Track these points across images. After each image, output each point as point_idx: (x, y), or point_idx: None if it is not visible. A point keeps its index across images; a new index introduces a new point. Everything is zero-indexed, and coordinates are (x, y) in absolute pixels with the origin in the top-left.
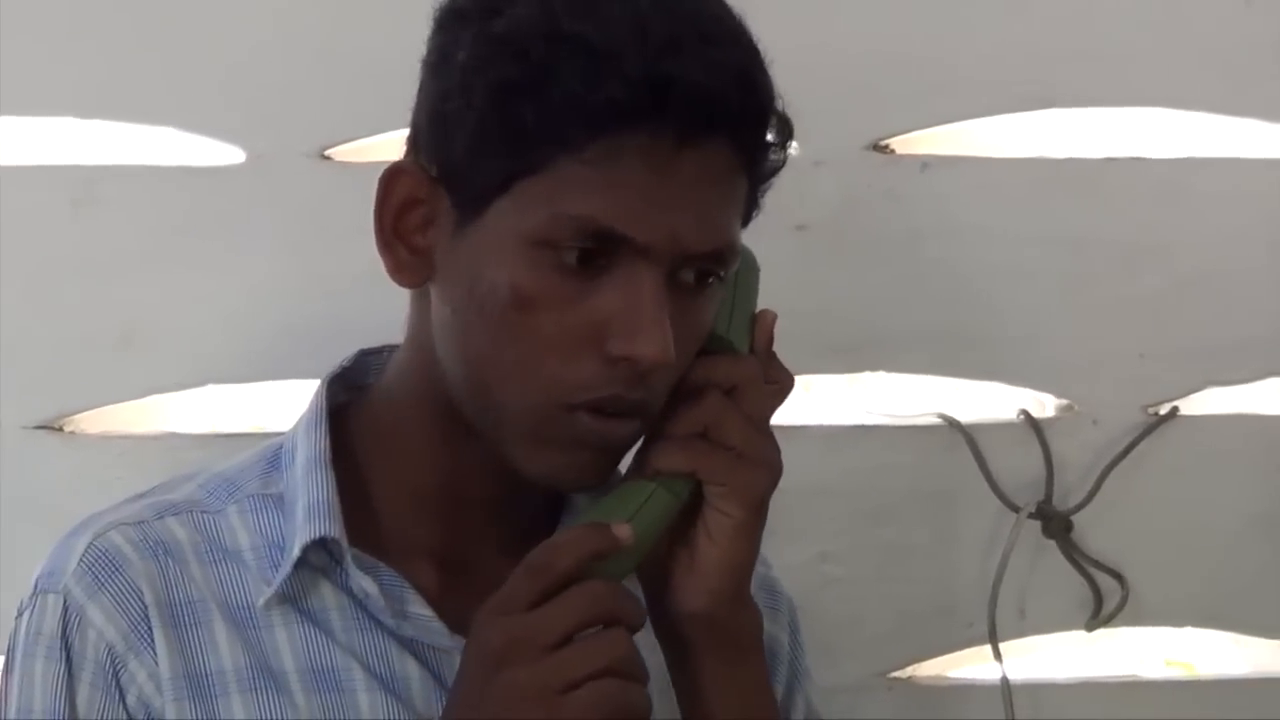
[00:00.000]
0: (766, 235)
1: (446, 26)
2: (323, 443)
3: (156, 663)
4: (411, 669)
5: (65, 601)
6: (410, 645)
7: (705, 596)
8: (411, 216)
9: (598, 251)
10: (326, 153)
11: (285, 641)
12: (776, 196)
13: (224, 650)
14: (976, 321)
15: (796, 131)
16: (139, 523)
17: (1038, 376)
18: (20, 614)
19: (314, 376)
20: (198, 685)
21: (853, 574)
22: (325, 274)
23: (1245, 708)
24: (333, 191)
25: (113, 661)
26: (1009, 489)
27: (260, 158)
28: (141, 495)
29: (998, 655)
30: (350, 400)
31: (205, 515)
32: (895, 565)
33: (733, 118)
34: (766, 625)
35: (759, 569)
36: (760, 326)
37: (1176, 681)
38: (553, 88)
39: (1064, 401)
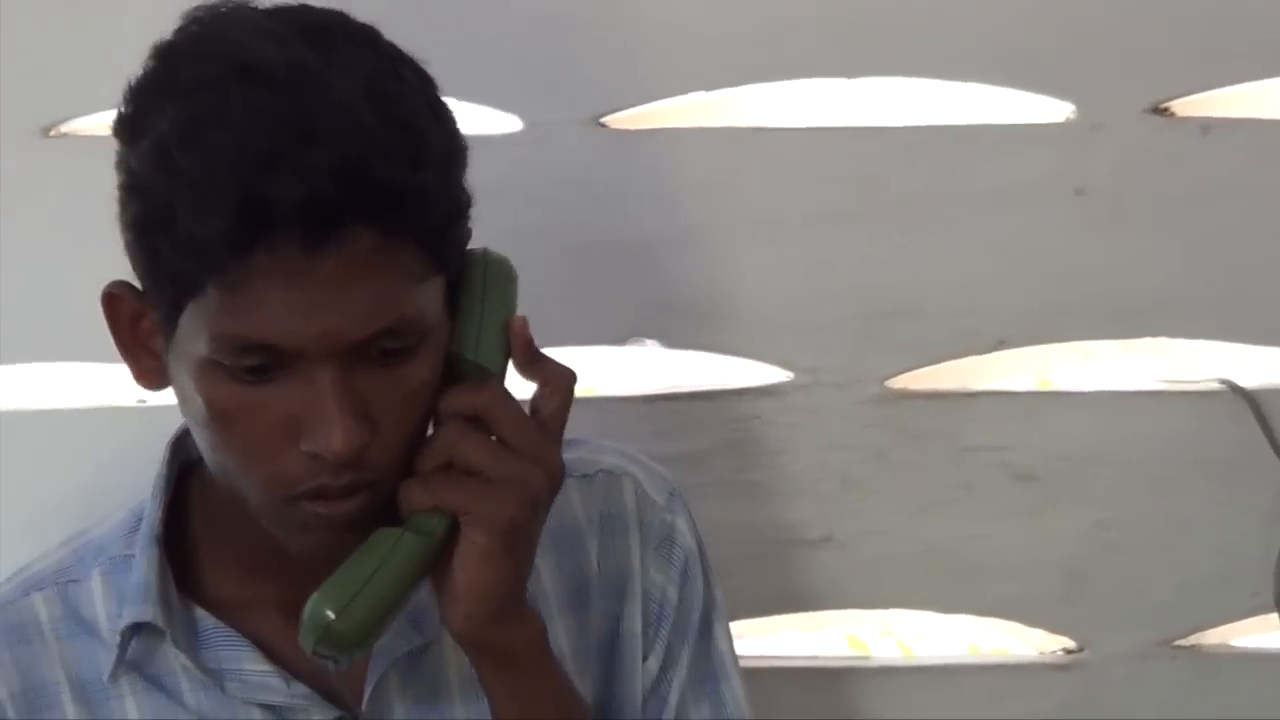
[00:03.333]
0: (1044, 200)
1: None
2: (156, 514)
3: None
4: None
5: None
6: (254, 696)
7: (462, 620)
8: (143, 325)
9: (265, 361)
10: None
11: (133, 711)
12: (1055, 161)
13: None
14: (1260, 285)
15: (1075, 94)
16: (3, 606)
17: None
18: None
19: None
20: None
21: (1133, 541)
22: None
23: None
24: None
25: None
26: None
27: None
28: (26, 566)
29: None
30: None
31: (71, 585)
32: (1176, 533)
33: (356, 209)
34: (657, 578)
35: (663, 516)
36: (512, 336)
37: None
38: (173, 224)
39: None
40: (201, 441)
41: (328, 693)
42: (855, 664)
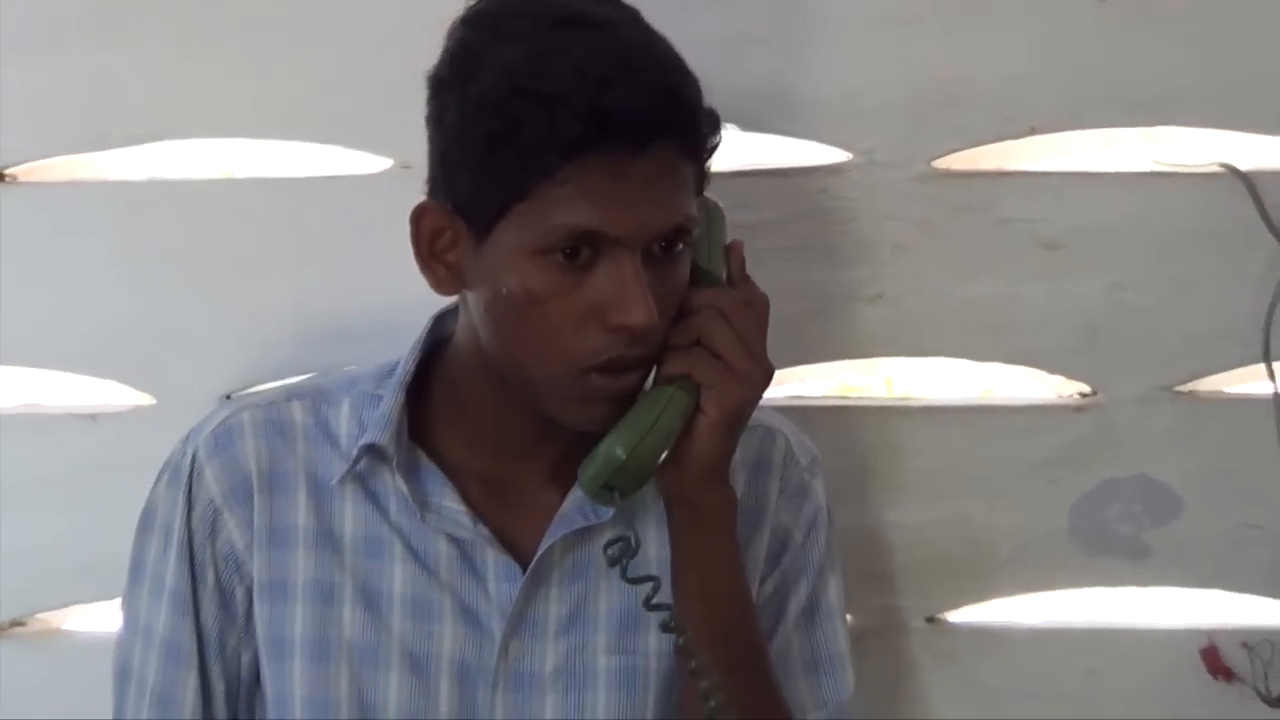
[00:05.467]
0: (1073, 5)
1: (436, 93)
2: (409, 367)
3: (252, 517)
4: (443, 547)
5: (195, 454)
6: (445, 528)
7: (679, 478)
8: (440, 241)
9: (585, 249)
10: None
11: (349, 512)
12: None
13: (301, 512)
14: (1258, 82)
15: None
16: (269, 404)
17: None
18: (180, 440)
19: None
20: (276, 536)
21: (1142, 301)
22: None
23: None
24: None
25: (213, 510)
26: None
27: None
28: (291, 383)
29: (1271, 374)
30: (449, 335)
31: (325, 404)
32: (1180, 295)
33: (668, 126)
34: (785, 520)
35: (803, 475)
36: (733, 254)
37: None
38: (524, 133)
39: None
40: (503, 328)
41: (503, 542)
42: (899, 404)
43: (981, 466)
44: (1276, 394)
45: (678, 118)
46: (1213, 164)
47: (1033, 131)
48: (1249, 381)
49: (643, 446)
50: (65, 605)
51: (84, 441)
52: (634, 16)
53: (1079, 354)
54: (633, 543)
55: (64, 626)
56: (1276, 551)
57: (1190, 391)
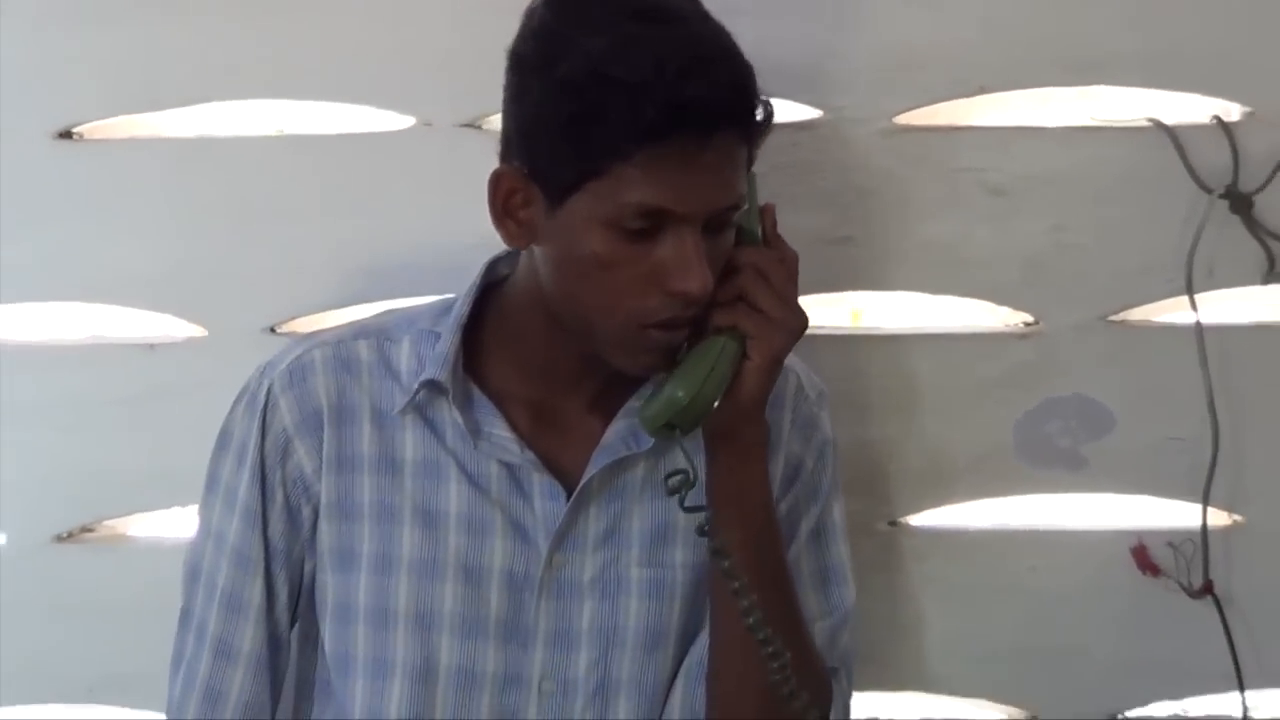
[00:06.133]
0: None
1: (518, 70)
2: (464, 309)
3: (321, 445)
4: (494, 469)
5: (270, 387)
6: (496, 454)
7: (727, 418)
8: (514, 200)
9: (652, 222)
10: None
11: (409, 439)
12: None
13: (366, 440)
14: (1181, 46)
15: None
16: (337, 342)
17: (1227, 88)
18: (256, 372)
19: None
20: (344, 463)
21: (1079, 241)
22: None
23: None
24: None
25: (285, 438)
26: (1204, 176)
27: None
28: (355, 321)
29: (1193, 305)
30: (505, 276)
31: (388, 342)
32: (1112, 235)
33: (735, 117)
34: (797, 449)
35: (813, 408)
36: (766, 215)
37: None
38: (604, 117)
39: (1248, 109)
40: (571, 285)
41: (547, 464)
42: (865, 333)
43: (938, 388)
44: (1198, 323)
45: (742, 108)
46: (1142, 119)
47: (982, 90)
48: (1173, 312)
49: (704, 390)
50: (129, 513)
51: (144, 368)
52: (702, 11)
53: (1023, 288)
54: (692, 476)
55: (128, 532)
56: (1197, 460)
57: (1122, 321)
